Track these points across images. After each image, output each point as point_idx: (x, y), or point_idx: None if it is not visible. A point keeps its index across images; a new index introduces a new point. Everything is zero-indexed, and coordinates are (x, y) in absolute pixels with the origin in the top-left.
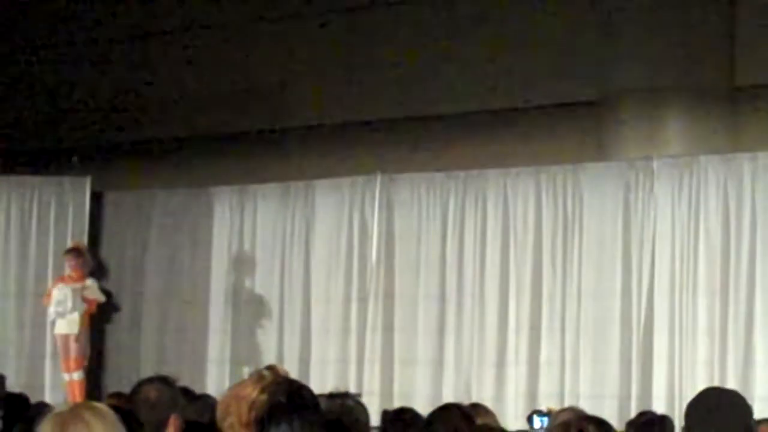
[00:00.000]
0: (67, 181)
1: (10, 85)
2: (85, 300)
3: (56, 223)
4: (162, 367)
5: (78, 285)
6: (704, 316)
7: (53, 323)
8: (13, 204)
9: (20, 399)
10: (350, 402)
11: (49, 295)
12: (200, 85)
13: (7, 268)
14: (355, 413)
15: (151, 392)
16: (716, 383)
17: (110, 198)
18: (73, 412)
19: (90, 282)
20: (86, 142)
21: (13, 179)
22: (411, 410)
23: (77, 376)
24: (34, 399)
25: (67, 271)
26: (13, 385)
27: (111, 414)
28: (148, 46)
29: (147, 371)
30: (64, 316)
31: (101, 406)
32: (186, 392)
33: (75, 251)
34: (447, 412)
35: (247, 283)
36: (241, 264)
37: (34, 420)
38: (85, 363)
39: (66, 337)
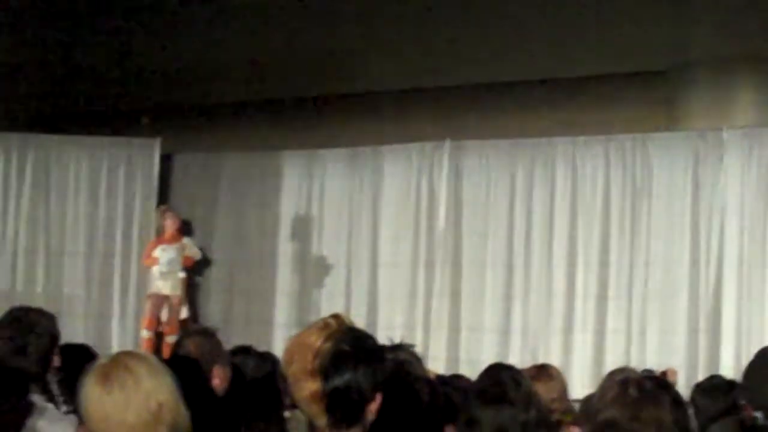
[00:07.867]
0: (136, 142)
1: (81, 48)
2: (185, 259)
3: (125, 184)
4: (229, 329)
5: (179, 244)
6: None
7: (151, 283)
8: (83, 164)
9: (82, 350)
10: (403, 354)
11: (149, 256)
12: (271, 50)
13: (76, 227)
14: (408, 366)
15: (191, 346)
16: None
17: (179, 160)
18: (115, 360)
19: (186, 240)
20: (156, 103)
21: (84, 140)
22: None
23: (171, 339)
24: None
25: (170, 229)
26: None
27: (153, 358)
28: (218, 11)
29: None
30: (173, 276)
31: (142, 352)
32: (246, 350)
33: (172, 211)
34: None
35: (315, 247)
36: (309, 228)
37: None
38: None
39: (166, 298)
